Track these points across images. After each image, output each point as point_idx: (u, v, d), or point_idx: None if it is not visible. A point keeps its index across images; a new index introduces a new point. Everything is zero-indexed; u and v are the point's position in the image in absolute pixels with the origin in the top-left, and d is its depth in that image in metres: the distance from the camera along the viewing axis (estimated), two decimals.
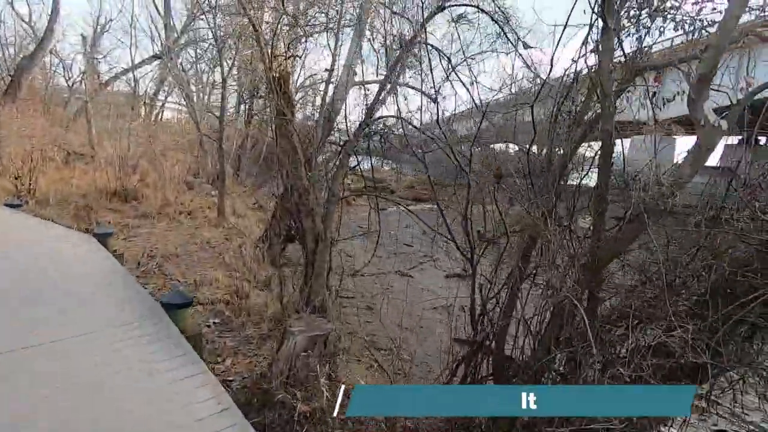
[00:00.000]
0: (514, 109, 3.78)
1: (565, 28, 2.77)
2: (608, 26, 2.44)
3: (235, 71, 12.40)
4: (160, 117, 21.05)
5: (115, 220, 9.62)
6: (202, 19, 14.65)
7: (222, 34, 9.38)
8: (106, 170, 11.45)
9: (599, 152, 2.51)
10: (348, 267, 8.89)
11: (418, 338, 7.05)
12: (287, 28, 4.25)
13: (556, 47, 2.80)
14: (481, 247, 3.41)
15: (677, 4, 2.86)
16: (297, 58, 4.46)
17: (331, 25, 4.46)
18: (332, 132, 6.11)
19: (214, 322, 5.02)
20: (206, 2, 9.56)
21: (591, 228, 2.60)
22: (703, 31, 2.71)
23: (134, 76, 18.26)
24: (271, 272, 7.45)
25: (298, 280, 6.29)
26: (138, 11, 50.02)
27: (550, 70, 3.15)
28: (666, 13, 2.88)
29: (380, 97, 5.08)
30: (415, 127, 4.66)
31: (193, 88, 17.91)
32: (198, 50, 17.41)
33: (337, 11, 4.42)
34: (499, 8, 5.23)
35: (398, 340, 6.58)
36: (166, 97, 21.18)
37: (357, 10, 5.64)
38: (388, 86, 5.42)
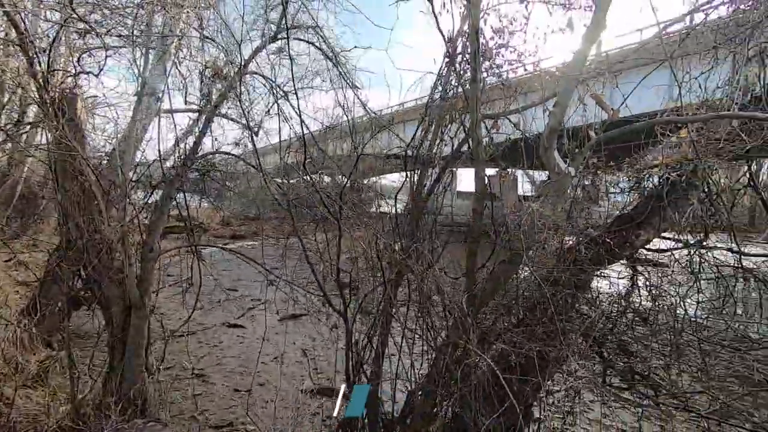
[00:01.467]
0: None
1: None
2: (477, 79, 2.59)
3: None
4: None
5: None
6: None
7: None
8: None
9: (474, 196, 2.61)
10: (160, 329, 7.26)
11: (261, 399, 6.20)
12: (76, 36, 3.18)
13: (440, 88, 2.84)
14: (354, 299, 3.13)
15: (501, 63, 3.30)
16: (94, 77, 3.39)
17: (138, 40, 3.57)
18: (135, 168, 4.99)
19: None
20: None
21: (466, 268, 2.65)
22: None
23: None
24: (49, 357, 5.47)
25: (98, 362, 4.74)
26: None
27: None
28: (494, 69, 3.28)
29: (206, 130, 4.36)
30: (252, 165, 4.12)
31: None
32: None
33: (146, 24, 3.57)
34: (328, 45, 5.23)
35: (240, 407, 5.63)
36: None
37: (161, 29, 4.80)
38: (209, 117, 4.75)
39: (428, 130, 3.07)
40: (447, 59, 2.96)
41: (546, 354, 2.52)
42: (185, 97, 5.22)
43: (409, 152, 3.41)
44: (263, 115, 5.28)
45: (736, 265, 3.43)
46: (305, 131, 3.23)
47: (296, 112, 4.67)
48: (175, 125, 4.96)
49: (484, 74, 3.30)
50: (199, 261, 5.18)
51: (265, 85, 4.30)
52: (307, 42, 4.72)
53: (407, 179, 3.13)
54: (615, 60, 2.70)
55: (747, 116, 2.48)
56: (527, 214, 2.30)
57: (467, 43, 3.00)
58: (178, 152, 4.86)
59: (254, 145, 3.65)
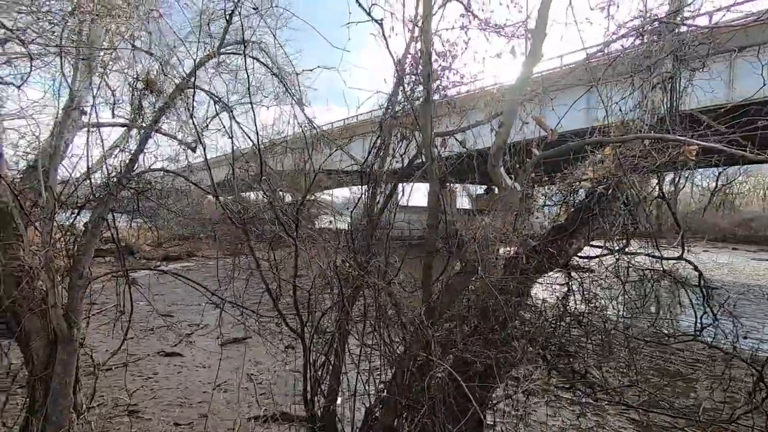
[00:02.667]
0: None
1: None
2: (429, 100, 2.70)
3: None
4: None
5: None
6: None
7: None
8: None
9: (429, 211, 2.70)
10: (86, 363, 6.51)
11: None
12: None
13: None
14: (312, 319, 3.06)
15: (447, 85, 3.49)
16: (16, 88, 3.05)
17: (68, 48, 3.29)
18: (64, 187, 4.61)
19: None
20: None
21: (422, 281, 2.73)
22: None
23: None
24: None
25: (9, 405, 4.16)
26: None
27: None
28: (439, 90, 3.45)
29: (143, 146, 4.12)
30: (197, 184, 3.94)
31: None
32: None
33: (78, 32, 3.30)
34: (273, 62, 5.18)
35: None
36: None
37: (88, 37, 4.49)
38: (147, 133, 4.51)
39: (381, 148, 3.15)
40: (396, 80, 3.08)
41: (500, 361, 2.65)
42: (113, 110, 4.90)
43: (361, 168, 3.46)
44: (201, 129, 5.10)
45: (656, 268, 3.83)
46: (260, 146, 3.15)
47: (240, 128, 4.60)
48: (102, 140, 4.62)
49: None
50: (130, 286, 4.80)
51: (215, 99, 4.16)
52: (253, 58, 4.64)
53: (363, 194, 3.16)
54: (548, 83, 2.97)
55: (659, 137, 2.83)
56: (480, 227, 2.44)
57: (414, 65, 3.14)
58: (106, 169, 4.53)
59: (207, 161, 3.50)
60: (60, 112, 3.68)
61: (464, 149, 3.47)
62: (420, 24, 2.67)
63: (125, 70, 4.87)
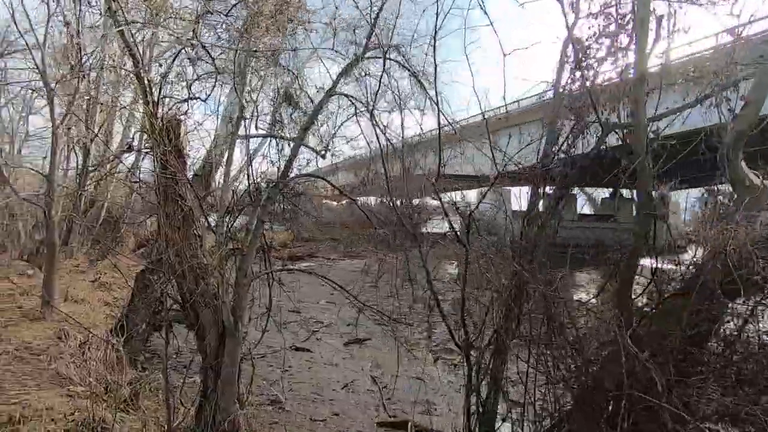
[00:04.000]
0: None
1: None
2: (645, 76, 2.28)
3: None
4: None
5: None
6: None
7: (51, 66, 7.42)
8: None
9: (637, 214, 2.27)
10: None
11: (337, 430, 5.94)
12: (188, 62, 3.26)
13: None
14: (480, 334, 2.82)
15: None
16: (202, 102, 3.45)
17: (241, 66, 3.61)
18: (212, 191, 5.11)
19: None
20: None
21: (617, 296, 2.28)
22: None
23: None
24: (139, 378, 5.55)
25: (184, 385, 4.71)
26: None
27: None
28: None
29: (296, 154, 4.32)
30: (355, 208, 3.99)
31: None
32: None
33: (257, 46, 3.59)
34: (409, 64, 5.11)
35: None
36: None
37: (238, 59, 4.91)
38: (299, 141, 4.75)
39: (552, 143, 2.76)
40: (574, 63, 2.67)
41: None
42: (257, 122, 5.30)
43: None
44: (332, 136, 5.25)
45: None
46: (441, 150, 3.03)
47: (383, 133, 4.58)
48: (248, 150, 5.03)
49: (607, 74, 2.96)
50: (270, 285, 5.08)
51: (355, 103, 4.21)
52: (396, 62, 4.61)
53: (538, 196, 2.80)
54: None
55: None
56: (731, 238, 1.89)
57: (594, 44, 2.70)
58: (254, 176, 4.89)
59: (386, 171, 3.51)
60: (228, 124, 4.03)
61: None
62: None
63: (260, 86, 5.25)
